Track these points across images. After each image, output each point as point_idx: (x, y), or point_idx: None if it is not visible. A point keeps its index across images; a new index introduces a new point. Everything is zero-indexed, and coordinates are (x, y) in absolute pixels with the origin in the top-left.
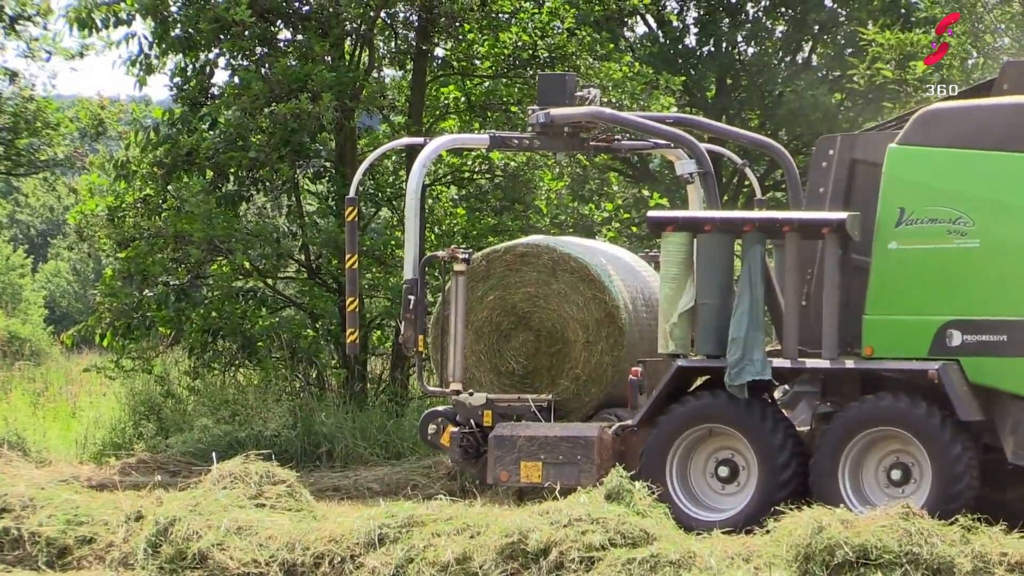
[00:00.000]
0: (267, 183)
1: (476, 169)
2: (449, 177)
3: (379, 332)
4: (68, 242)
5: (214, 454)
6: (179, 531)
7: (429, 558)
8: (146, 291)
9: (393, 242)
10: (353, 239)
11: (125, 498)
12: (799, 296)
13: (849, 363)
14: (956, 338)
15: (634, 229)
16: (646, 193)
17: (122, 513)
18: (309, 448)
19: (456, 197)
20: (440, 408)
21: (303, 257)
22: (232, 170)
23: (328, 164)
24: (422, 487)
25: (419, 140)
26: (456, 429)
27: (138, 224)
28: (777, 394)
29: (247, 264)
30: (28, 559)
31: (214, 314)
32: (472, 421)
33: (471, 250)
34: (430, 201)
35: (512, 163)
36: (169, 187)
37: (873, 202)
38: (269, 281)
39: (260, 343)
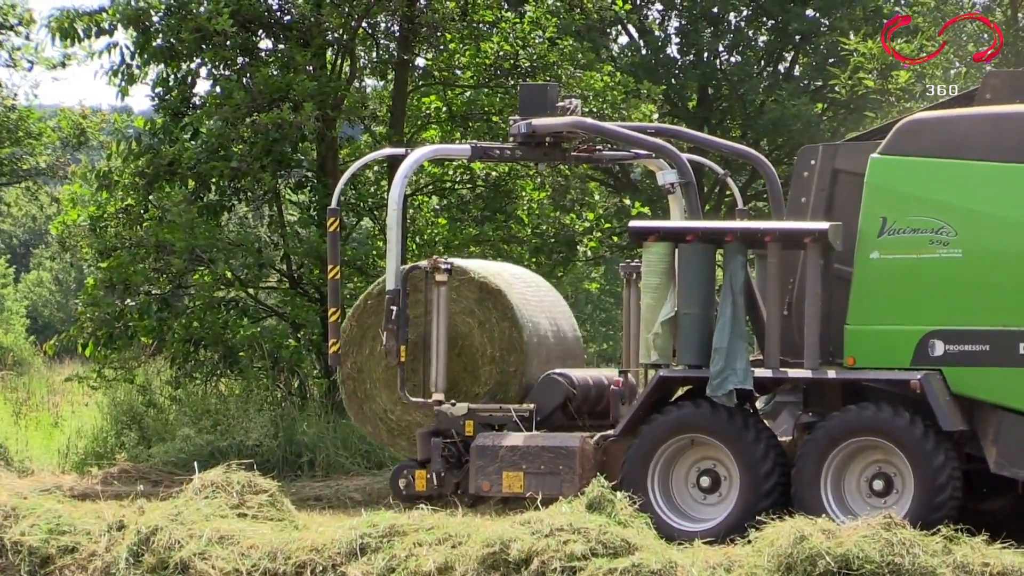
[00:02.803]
0: (249, 193)
1: (457, 179)
2: (431, 187)
3: None
4: (50, 252)
5: (196, 464)
6: (161, 540)
7: (411, 567)
8: (128, 301)
9: (375, 252)
10: (335, 249)
11: (107, 507)
12: (781, 306)
13: (831, 373)
14: (938, 348)
15: (615, 239)
16: (627, 203)
17: (104, 522)
18: (291, 458)
19: (437, 207)
20: (404, 461)
21: (285, 267)
22: (214, 180)
23: (310, 174)
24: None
25: (401, 150)
26: (436, 439)
27: (120, 234)
28: (759, 404)
29: (229, 274)
30: (11, 568)
31: (196, 324)
32: (454, 431)
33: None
34: (411, 211)
35: (494, 173)
36: (151, 197)
37: (855, 212)
38: (251, 291)
39: (242, 353)
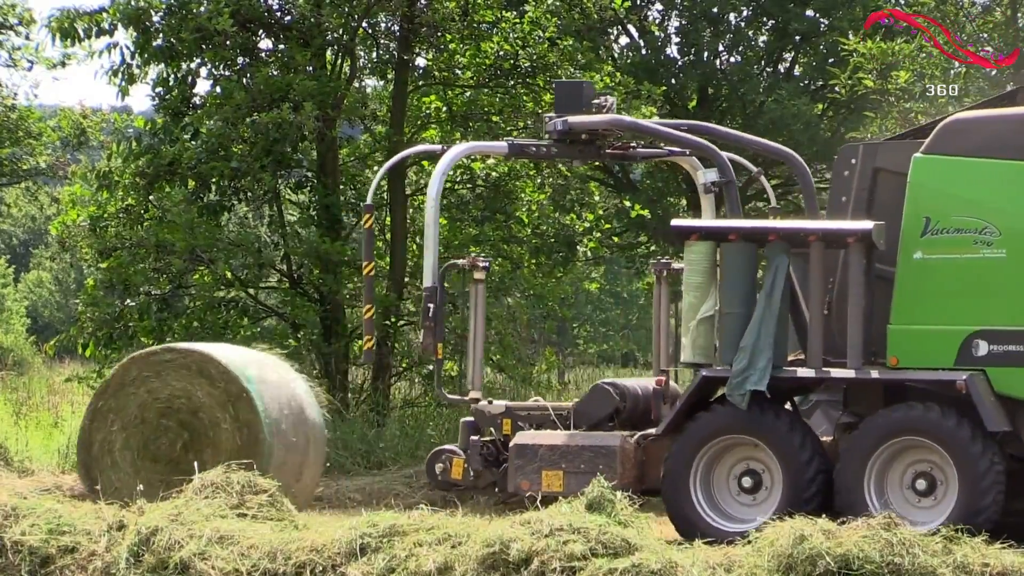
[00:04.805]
0: (249, 193)
1: (457, 179)
2: None
3: (360, 342)
4: (50, 252)
5: (196, 464)
6: (161, 540)
7: (411, 568)
8: (128, 301)
9: (374, 252)
10: (370, 246)
11: (107, 508)
12: (823, 306)
13: (875, 373)
14: (982, 348)
15: (615, 239)
16: (627, 203)
17: (104, 523)
18: None
19: None
20: (444, 447)
21: (285, 267)
22: (214, 180)
23: (310, 174)
24: (403, 496)
25: (437, 147)
26: (475, 439)
27: (120, 234)
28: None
29: (229, 274)
30: (10, 568)
31: (196, 324)
32: (491, 429)
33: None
34: (411, 211)
35: (494, 173)
36: (151, 197)
37: (895, 211)
38: (251, 291)
39: None
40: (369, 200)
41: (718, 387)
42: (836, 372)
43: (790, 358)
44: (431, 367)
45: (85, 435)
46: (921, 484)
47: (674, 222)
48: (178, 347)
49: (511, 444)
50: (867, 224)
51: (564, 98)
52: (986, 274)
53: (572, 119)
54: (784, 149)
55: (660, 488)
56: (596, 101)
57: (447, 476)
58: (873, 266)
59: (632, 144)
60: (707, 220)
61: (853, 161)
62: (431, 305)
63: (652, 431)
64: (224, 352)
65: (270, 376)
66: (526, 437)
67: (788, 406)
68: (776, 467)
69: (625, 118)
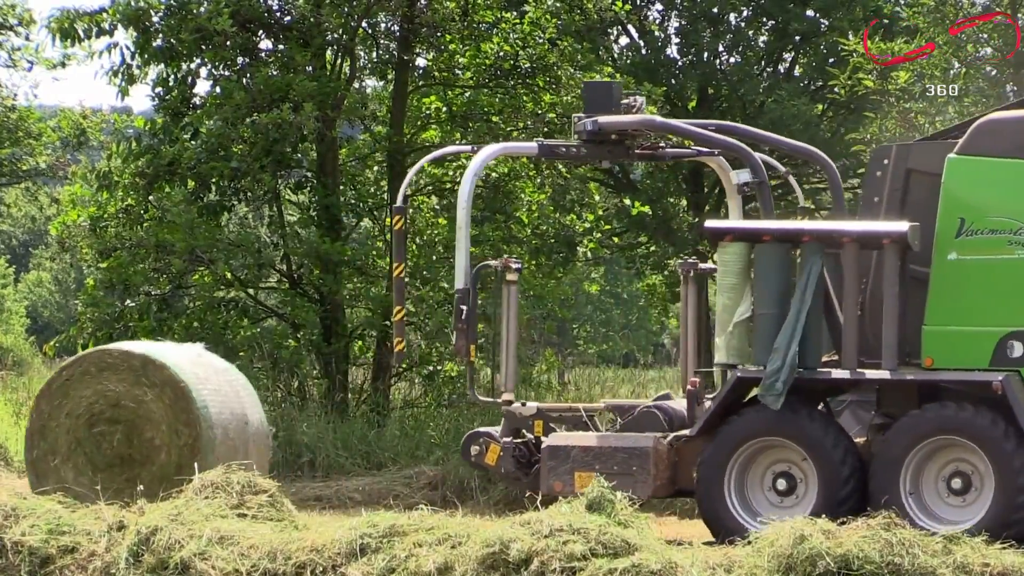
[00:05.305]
0: (249, 193)
1: (457, 179)
2: (431, 187)
3: (360, 343)
4: (50, 252)
5: (195, 464)
6: (161, 541)
7: (411, 568)
8: (128, 301)
9: (375, 252)
10: (401, 247)
11: (107, 508)
12: (856, 307)
13: (910, 374)
14: (1017, 349)
15: (615, 240)
16: (627, 201)
17: (104, 523)
18: (291, 458)
19: (437, 207)
20: (482, 428)
21: (284, 267)
22: (214, 180)
23: (309, 174)
24: (403, 497)
25: (467, 147)
26: (507, 440)
27: (120, 234)
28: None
29: (229, 274)
30: (10, 568)
31: (196, 324)
32: (523, 431)
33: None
34: (411, 211)
35: (493, 174)
36: (151, 197)
37: (927, 212)
38: (251, 291)
39: (242, 353)
40: (400, 201)
41: (751, 388)
42: (871, 373)
43: (824, 359)
44: (431, 368)
45: (30, 437)
46: (956, 483)
47: (708, 223)
48: (119, 348)
49: (544, 445)
50: (903, 225)
51: (594, 98)
52: (1021, 275)
53: (603, 119)
54: (811, 149)
55: (693, 489)
56: (625, 101)
57: (480, 459)
58: (907, 267)
59: (661, 144)
60: (741, 221)
61: (886, 162)
62: (464, 307)
63: (685, 432)
64: (166, 352)
65: (212, 377)
66: (559, 438)
67: (821, 407)
68: (811, 469)
69: (657, 118)
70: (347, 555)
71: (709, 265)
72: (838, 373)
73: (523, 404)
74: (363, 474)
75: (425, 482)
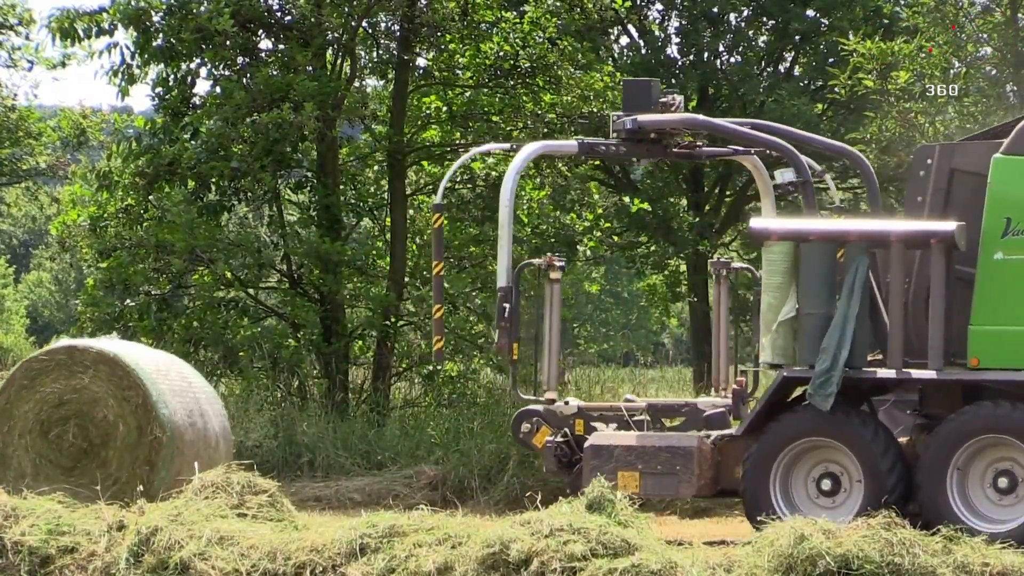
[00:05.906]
0: (249, 193)
1: (457, 179)
2: (430, 187)
3: (360, 343)
4: (50, 252)
5: (196, 464)
6: (161, 541)
7: (411, 568)
8: (128, 301)
9: (374, 252)
10: (440, 245)
11: (107, 508)
12: (903, 307)
13: (956, 374)
14: None
15: (615, 239)
16: (627, 199)
17: (104, 523)
18: (291, 458)
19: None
20: (534, 407)
21: (285, 267)
22: (214, 180)
23: (310, 174)
24: (403, 497)
25: (506, 145)
26: (551, 436)
27: (120, 234)
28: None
29: (229, 274)
30: (11, 568)
31: (196, 324)
32: (566, 430)
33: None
34: (411, 211)
35: (493, 173)
36: (151, 197)
37: (971, 212)
38: (251, 291)
39: (242, 353)
40: (438, 200)
41: (797, 388)
42: (917, 373)
43: (868, 358)
44: (431, 368)
45: None
46: (1003, 482)
47: (752, 223)
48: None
49: (586, 444)
50: (949, 225)
51: (632, 97)
52: None
53: (642, 118)
54: (848, 148)
55: (736, 489)
56: (663, 100)
57: (529, 439)
58: (953, 267)
59: (698, 143)
60: (787, 220)
61: (929, 161)
62: (506, 305)
63: (729, 431)
64: (125, 351)
65: (173, 377)
66: (602, 438)
67: (866, 407)
68: (856, 470)
69: (700, 117)
70: (347, 555)
71: (741, 264)
72: (884, 373)
73: (565, 403)
74: (363, 474)
75: (425, 482)
